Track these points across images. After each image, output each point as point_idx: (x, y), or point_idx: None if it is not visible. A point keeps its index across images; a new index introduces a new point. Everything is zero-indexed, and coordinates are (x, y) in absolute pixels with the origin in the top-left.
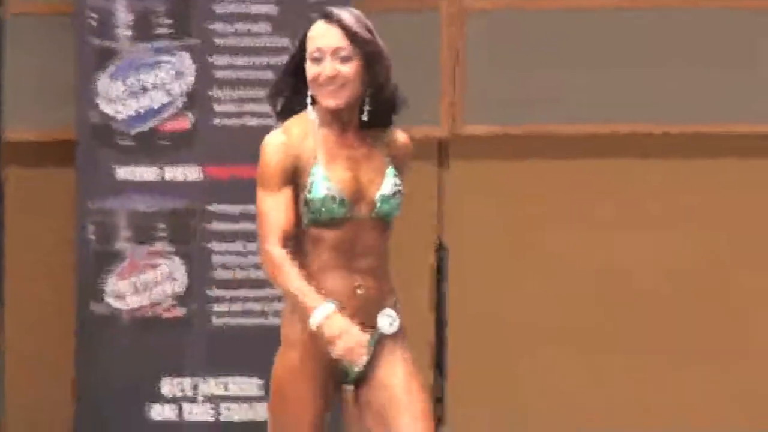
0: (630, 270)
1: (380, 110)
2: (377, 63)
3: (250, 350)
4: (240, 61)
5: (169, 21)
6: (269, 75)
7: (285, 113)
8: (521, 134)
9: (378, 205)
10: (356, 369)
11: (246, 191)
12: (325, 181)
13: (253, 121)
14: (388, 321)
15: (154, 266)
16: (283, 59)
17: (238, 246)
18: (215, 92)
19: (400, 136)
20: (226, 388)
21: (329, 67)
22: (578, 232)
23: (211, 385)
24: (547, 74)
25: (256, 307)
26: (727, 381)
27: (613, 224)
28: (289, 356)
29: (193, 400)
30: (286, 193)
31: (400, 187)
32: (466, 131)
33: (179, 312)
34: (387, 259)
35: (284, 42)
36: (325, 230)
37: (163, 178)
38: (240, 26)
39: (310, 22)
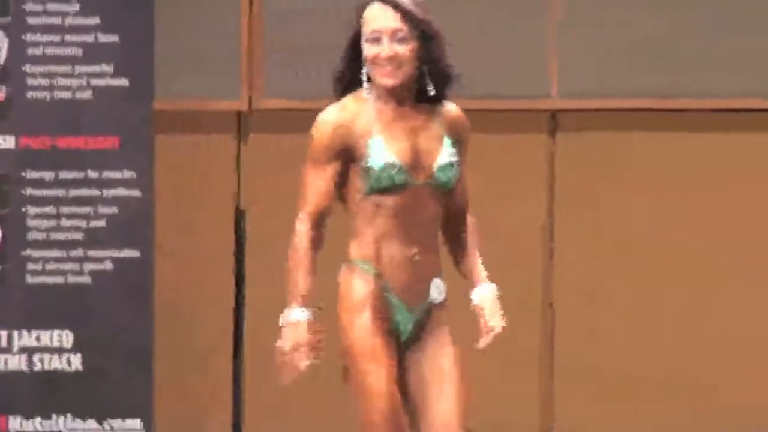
0: None
1: (435, 85)
2: (432, 41)
3: (63, 306)
4: (51, 38)
5: None
6: (79, 52)
7: (344, 91)
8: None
9: (435, 173)
10: (404, 336)
11: (59, 159)
12: (384, 150)
13: (63, 95)
14: (437, 290)
15: None
16: (91, 36)
17: (51, 210)
18: (28, 68)
19: (454, 109)
20: (39, 340)
21: (387, 48)
22: None
23: (26, 338)
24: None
25: (69, 266)
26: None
27: None
28: (362, 319)
29: (8, 351)
30: (329, 170)
31: (455, 158)
32: (265, 105)
33: None
34: (437, 230)
35: (93, 21)
36: (386, 197)
37: None
38: (51, 6)
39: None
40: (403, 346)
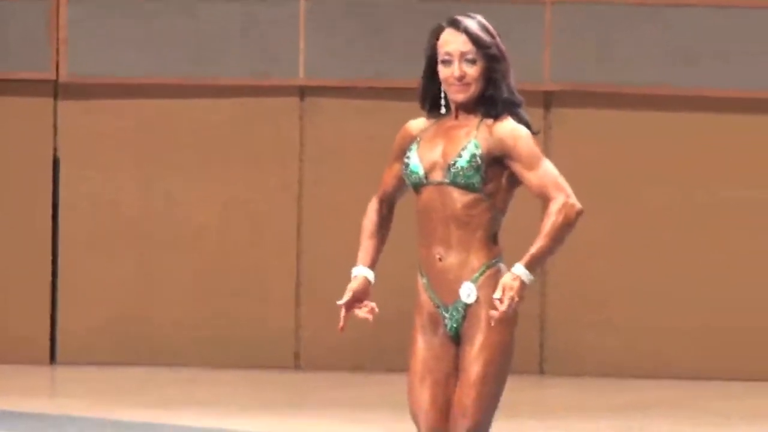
0: None
1: (497, 102)
2: (497, 63)
3: None
4: None
5: None
6: None
7: (431, 107)
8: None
9: (449, 172)
10: (449, 328)
11: None
12: (414, 152)
13: None
14: (466, 292)
15: None
16: None
17: None
18: None
19: (505, 125)
20: None
21: (457, 68)
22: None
23: None
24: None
25: None
26: None
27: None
28: (416, 309)
29: None
30: (393, 166)
31: (475, 160)
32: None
33: None
34: (483, 232)
35: None
36: (417, 196)
37: None
38: None
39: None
40: (456, 336)
